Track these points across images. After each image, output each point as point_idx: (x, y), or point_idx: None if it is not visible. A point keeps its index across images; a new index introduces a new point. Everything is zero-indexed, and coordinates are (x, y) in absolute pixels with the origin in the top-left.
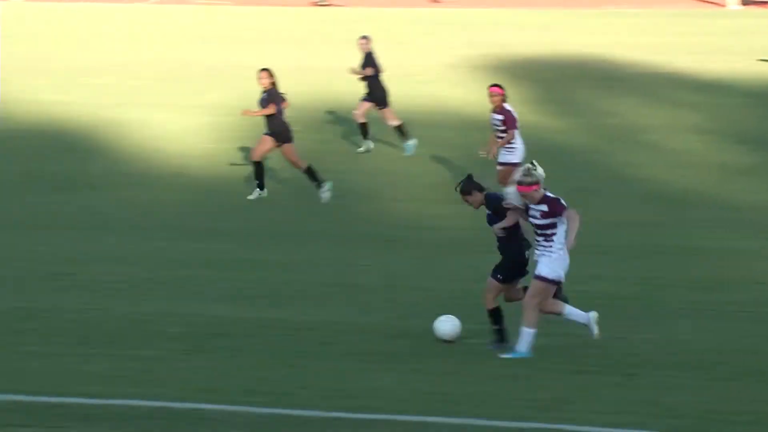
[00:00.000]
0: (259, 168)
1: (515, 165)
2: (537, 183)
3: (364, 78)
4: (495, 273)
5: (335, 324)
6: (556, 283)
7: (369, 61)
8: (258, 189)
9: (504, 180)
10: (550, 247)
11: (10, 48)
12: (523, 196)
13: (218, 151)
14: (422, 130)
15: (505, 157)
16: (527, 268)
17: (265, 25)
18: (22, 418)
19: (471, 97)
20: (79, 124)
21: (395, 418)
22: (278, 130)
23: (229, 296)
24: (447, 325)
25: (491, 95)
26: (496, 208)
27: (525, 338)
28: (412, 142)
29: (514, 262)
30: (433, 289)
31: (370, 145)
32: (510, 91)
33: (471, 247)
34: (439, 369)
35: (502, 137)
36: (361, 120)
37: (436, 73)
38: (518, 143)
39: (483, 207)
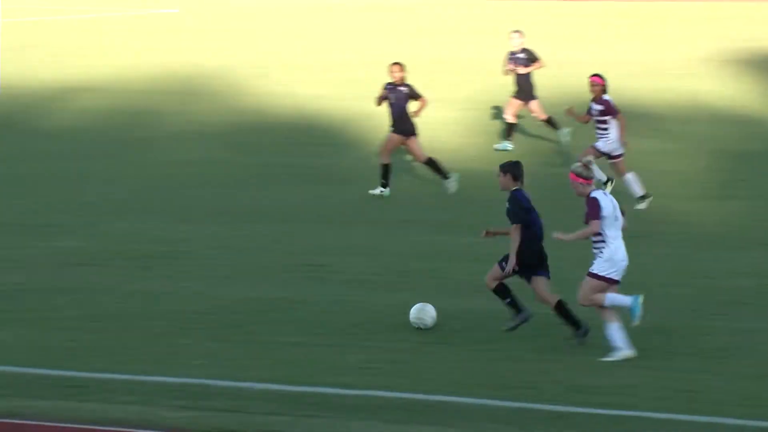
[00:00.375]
0: (385, 168)
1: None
2: (589, 179)
3: (513, 72)
4: (500, 261)
5: (587, 319)
6: (608, 280)
7: (529, 55)
8: (381, 187)
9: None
10: (601, 247)
11: (271, 45)
12: (571, 183)
13: (466, 146)
14: (673, 125)
15: (606, 147)
16: (536, 269)
17: (515, 18)
18: (276, 406)
19: (723, 91)
20: (332, 118)
21: (645, 415)
22: (407, 123)
23: (479, 290)
24: (415, 312)
25: (592, 84)
26: (510, 208)
27: (611, 335)
28: (566, 131)
29: (519, 258)
30: (686, 285)
31: (508, 146)
32: (764, 86)
33: (722, 243)
34: (689, 367)
35: (600, 127)
36: (511, 120)
37: (688, 67)
38: (612, 134)
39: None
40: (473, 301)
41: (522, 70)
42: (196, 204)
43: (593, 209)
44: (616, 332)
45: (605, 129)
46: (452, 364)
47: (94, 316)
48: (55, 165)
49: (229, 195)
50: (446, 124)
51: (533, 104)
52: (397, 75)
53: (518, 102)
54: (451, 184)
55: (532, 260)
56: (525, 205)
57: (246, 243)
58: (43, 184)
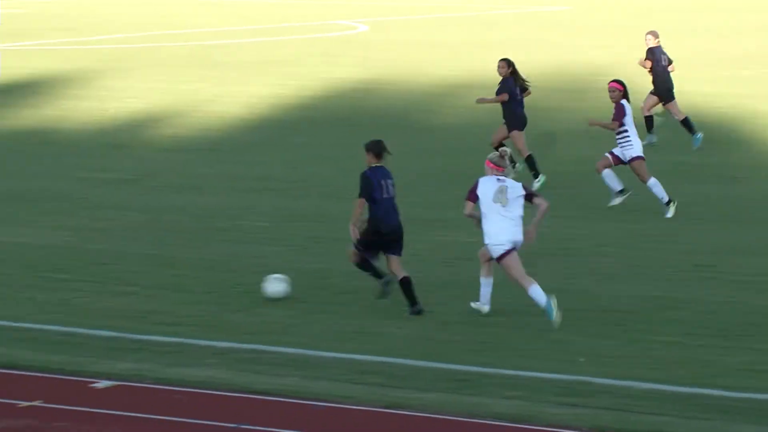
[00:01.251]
0: (529, 160)
1: (639, 159)
2: (500, 168)
3: (652, 71)
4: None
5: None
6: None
7: (657, 55)
8: (534, 179)
9: (642, 174)
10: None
11: (668, 41)
12: (487, 168)
13: None
14: None
15: (628, 153)
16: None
17: None
18: (659, 406)
19: None
20: (721, 115)
21: None
22: (510, 117)
23: None
24: (274, 285)
25: (610, 90)
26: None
27: (483, 290)
28: (699, 135)
29: (365, 235)
30: None
31: (653, 139)
32: None
33: None
34: None
35: (620, 132)
36: (647, 113)
37: None
38: (633, 138)
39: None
40: None
41: (646, 67)
42: (578, 201)
43: (470, 189)
44: (486, 288)
45: (626, 135)
46: None
47: (479, 311)
48: (442, 161)
49: (608, 193)
50: None
51: (671, 105)
52: (501, 71)
53: (654, 98)
54: (536, 185)
55: (373, 238)
56: (369, 183)
57: (634, 241)
58: (431, 180)
